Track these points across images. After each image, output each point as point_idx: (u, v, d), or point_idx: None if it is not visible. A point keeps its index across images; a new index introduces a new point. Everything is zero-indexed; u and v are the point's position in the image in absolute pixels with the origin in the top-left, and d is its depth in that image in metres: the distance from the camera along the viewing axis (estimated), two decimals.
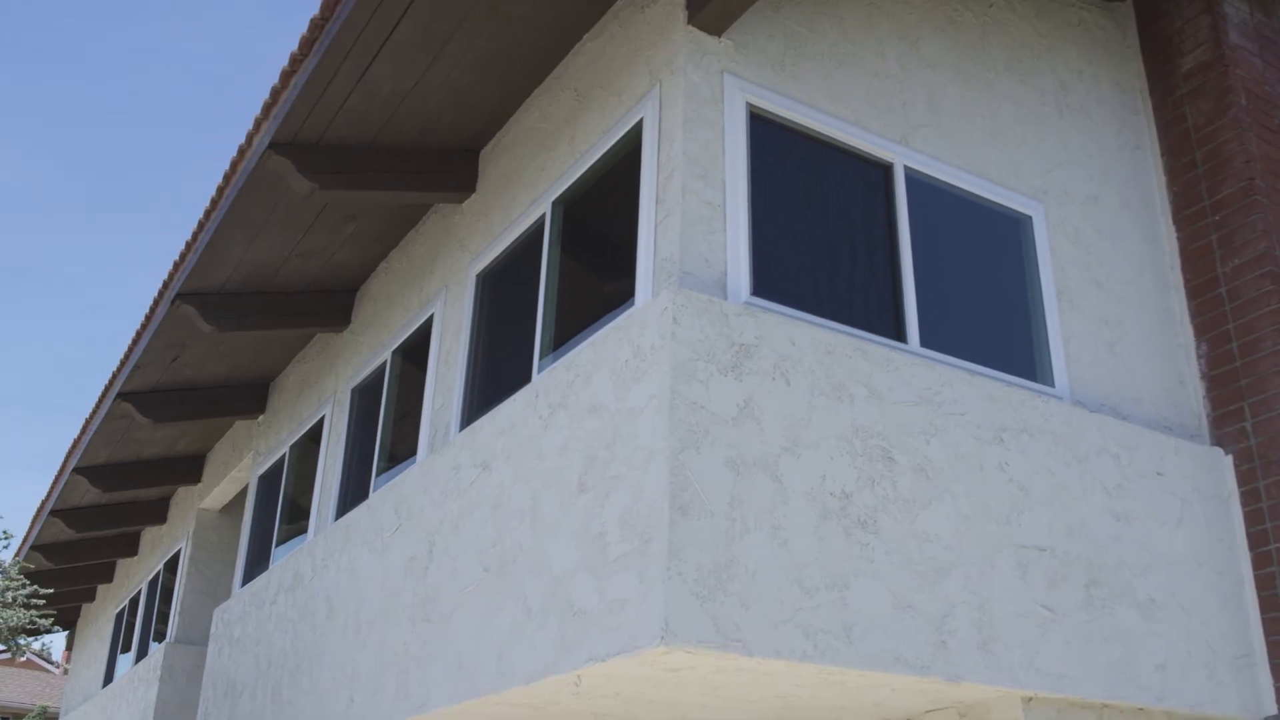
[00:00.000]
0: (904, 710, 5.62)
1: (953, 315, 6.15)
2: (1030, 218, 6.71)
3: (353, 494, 8.62)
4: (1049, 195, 6.88)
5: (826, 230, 5.96)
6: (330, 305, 9.62)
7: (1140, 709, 5.66)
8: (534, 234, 6.79)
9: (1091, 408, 6.38)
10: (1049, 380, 6.33)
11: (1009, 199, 6.67)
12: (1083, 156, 7.23)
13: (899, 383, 5.45)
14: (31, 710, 26.69)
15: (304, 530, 9.44)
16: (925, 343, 5.89)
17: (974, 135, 6.70)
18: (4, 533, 10.95)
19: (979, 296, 6.38)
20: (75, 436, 12.31)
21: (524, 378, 6.37)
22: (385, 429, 8.35)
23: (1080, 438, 6.01)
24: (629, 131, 6.01)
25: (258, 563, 10.57)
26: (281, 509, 10.24)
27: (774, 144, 5.88)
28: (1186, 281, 7.24)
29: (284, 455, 10.51)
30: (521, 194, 7.03)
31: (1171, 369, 6.97)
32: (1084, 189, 7.11)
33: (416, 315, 8.17)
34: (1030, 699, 5.30)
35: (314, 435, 9.84)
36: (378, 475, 8.25)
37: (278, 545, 10.10)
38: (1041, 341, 6.45)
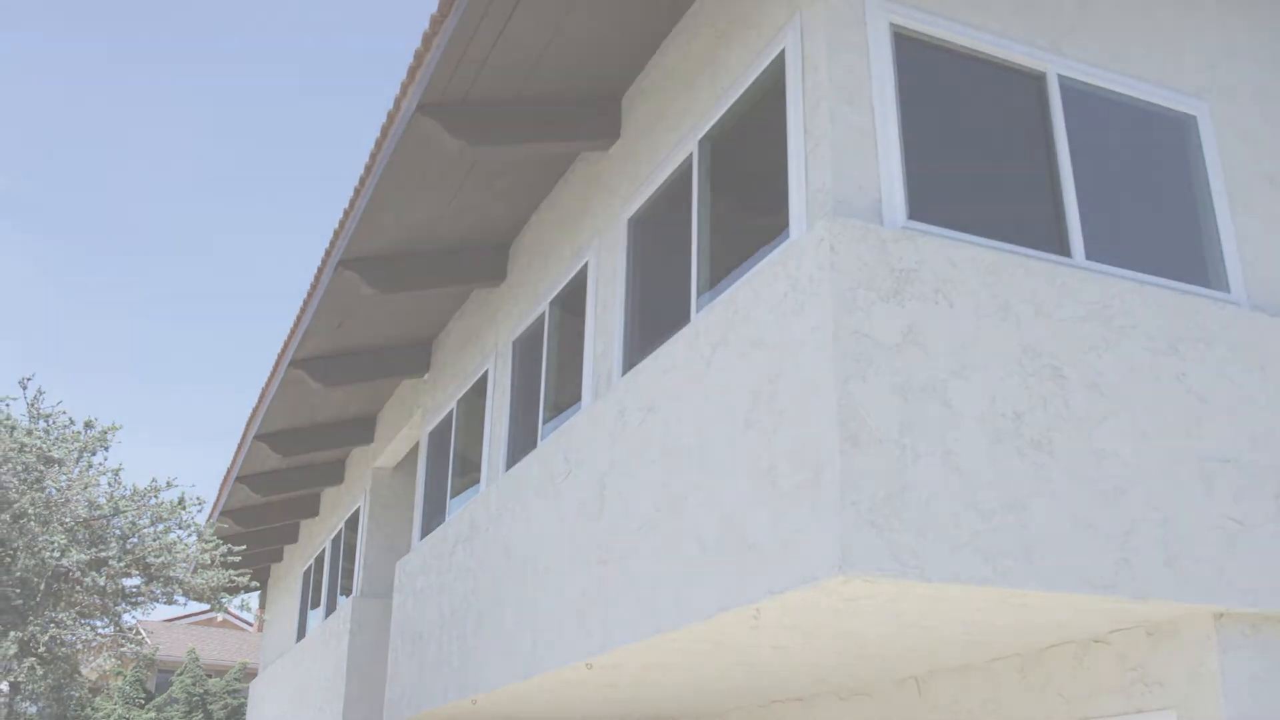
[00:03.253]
0: (1088, 631, 5.53)
1: (1118, 225, 5.96)
2: (1194, 117, 6.43)
3: (521, 444, 8.81)
4: (1213, 92, 6.58)
5: (981, 147, 5.82)
6: (486, 260, 9.79)
7: None
8: (682, 174, 6.79)
9: (1272, 312, 6.12)
10: (1224, 286, 6.09)
11: (1170, 99, 6.40)
12: (1248, 48, 6.88)
13: (1066, 298, 5.32)
14: (232, 667, 28.12)
15: (476, 482, 9.69)
16: (1091, 255, 5.72)
17: (1129, 36, 6.44)
18: (197, 498, 11.49)
19: (1144, 204, 6.16)
20: (254, 405, 12.84)
21: (683, 318, 6.41)
22: (548, 378, 8.50)
23: (1261, 343, 5.78)
24: (771, 63, 5.95)
25: (434, 516, 10.91)
26: (453, 463, 10.53)
27: (921, 63, 5.75)
28: None
29: (451, 411, 10.78)
30: (667, 136, 7.03)
31: None
32: (1251, 82, 6.77)
33: (571, 264, 8.26)
34: (1221, 615, 5.16)
35: (479, 390, 10.07)
36: (544, 424, 8.41)
37: (452, 498, 10.40)
38: (1213, 246, 6.20)
